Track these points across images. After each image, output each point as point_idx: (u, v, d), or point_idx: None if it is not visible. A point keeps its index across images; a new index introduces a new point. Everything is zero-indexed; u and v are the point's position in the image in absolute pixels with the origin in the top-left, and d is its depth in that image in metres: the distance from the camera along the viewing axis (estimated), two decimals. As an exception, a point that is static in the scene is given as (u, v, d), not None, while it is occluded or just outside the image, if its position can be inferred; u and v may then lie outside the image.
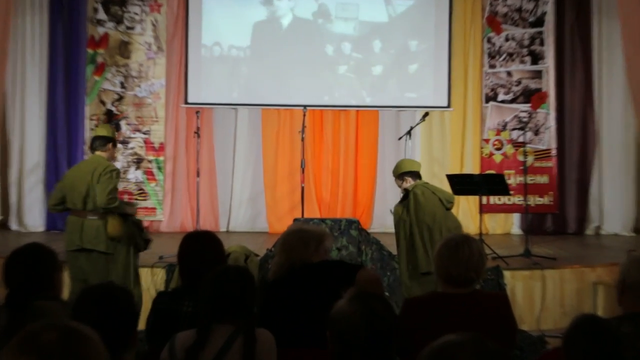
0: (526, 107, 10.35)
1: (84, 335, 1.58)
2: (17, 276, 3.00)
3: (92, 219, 6.00)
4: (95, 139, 6.25)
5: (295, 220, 7.52)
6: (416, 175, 6.55)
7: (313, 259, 3.65)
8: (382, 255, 7.20)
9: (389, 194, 10.28)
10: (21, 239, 9.00)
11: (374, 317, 2.33)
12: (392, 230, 6.74)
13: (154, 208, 10.20)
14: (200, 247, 3.51)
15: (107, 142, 6.20)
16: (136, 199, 10.14)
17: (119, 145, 10.16)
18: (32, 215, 10.22)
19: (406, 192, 6.53)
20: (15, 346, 1.52)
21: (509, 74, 10.39)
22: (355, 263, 6.15)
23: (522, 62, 10.38)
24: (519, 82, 10.37)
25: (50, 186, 10.21)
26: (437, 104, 10.40)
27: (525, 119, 10.29)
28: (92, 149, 6.24)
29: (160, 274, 7.22)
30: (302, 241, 3.69)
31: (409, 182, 6.50)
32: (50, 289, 3.03)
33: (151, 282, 6.82)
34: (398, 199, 6.85)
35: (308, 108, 9.14)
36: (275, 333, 2.93)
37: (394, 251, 6.87)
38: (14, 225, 10.21)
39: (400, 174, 6.57)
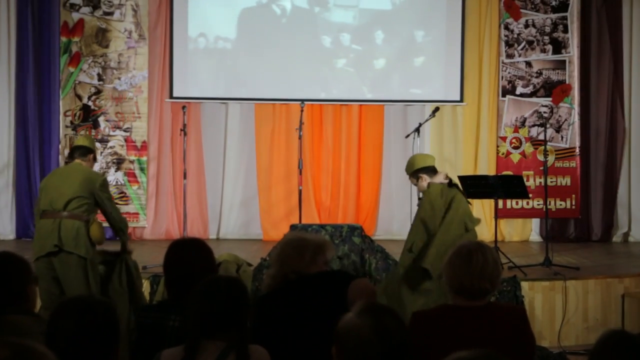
0: (547, 101, 10.37)
1: (39, 354, 1.62)
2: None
3: (71, 220, 6.12)
4: (76, 148, 6.55)
5: (292, 226, 7.55)
6: (432, 170, 6.42)
7: (310, 270, 3.68)
8: (388, 264, 7.22)
9: (394, 198, 10.30)
10: (-11, 248, 9.02)
11: (386, 331, 2.35)
12: (399, 237, 6.76)
13: (137, 213, 10.22)
14: (188, 256, 3.52)
15: (88, 152, 6.52)
16: (117, 204, 10.16)
17: (97, 144, 10.18)
18: (0, 221, 10.23)
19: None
20: None
21: (528, 64, 10.41)
22: (355, 274, 6.16)
23: (543, 51, 10.41)
24: (539, 74, 10.40)
25: (21, 188, 10.22)
26: (449, 98, 10.42)
27: (546, 115, 10.31)
28: (71, 157, 6.57)
29: (144, 286, 7.24)
30: (297, 251, 3.71)
31: (426, 180, 6.35)
32: (23, 302, 3.05)
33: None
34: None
35: (306, 102, 9.17)
36: (270, 349, 2.96)
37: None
38: (-19, 233, 10.23)
39: (414, 172, 6.40)
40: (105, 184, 6.42)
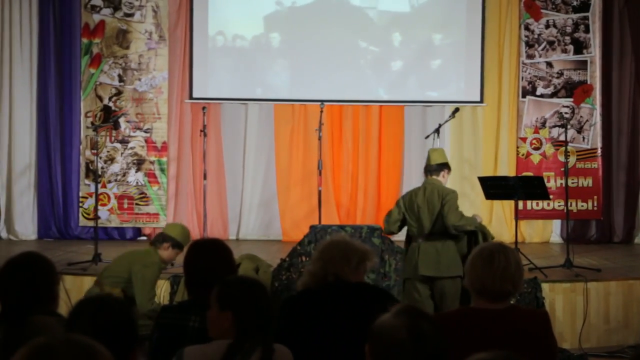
0: (568, 101, 10.33)
1: (96, 351, 1.65)
2: (13, 289, 3.04)
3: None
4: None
5: (312, 227, 7.55)
6: (448, 167, 6.62)
7: (351, 276, 3.67)
8: (408, 266, 7.22)
9: (415, 199, 10.29)
10: (12, 248, 9.10)
11: (421, 334, 2.35)
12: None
13: (157, 214, 10.27)
14: (209, 256, 3.54)
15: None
16: (136, 204, 10.23)
17: (118, 145, 10.25)
18: (22, 222, 10.30)
19: None
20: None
21: (549, 64, 10.37)
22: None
23: (565, 51, 10.37)
24: (560, 74, 10.36)
25: (42, 189, 10.29)
26: (469, 99, 10.40)
27: (567, 115, 10.27)
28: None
29: (165, 286, 7.28)
30: (343, 254, 3.68)
31: (446, 178, 6.56)
32: (48, 303, 3.08)
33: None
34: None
35: (325, 103, 9.18)
36: (294, 347, 3.00)
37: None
38: (3, 233, 10.30)
39: (445, 164, 6.58)
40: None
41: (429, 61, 10.50)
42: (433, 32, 10.47)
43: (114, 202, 10.20)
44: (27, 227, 10.31)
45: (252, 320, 2.91)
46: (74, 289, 7.41)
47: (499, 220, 10.33)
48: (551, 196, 9.36)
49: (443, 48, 10.49)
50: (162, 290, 7.23)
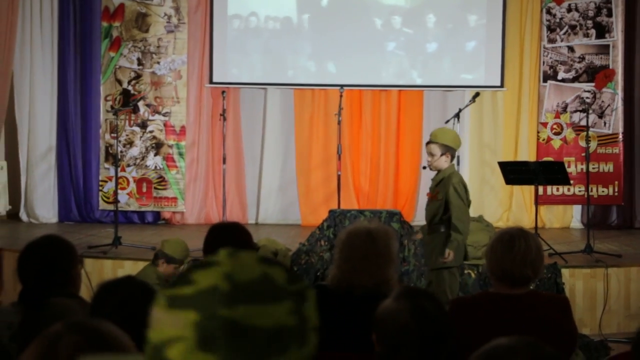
0: (590, 86, 10.25)
1: (113, 337, 1.62)
2: (32, 271, 3.07)
3: None
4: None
5: (331, 212, 7.55)
6: (453, 156, 6.08)
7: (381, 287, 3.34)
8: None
9: (434, 183, 10.26)
10: (33, 231, 9.16)
11: (424, 314, 2.35)
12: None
13: (175, 198, 10.30)
14: (228, 239, 3.54)
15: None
16: (155, 188, 10.26)
17: (137, 129, 10.27)
18: (43, 205, 10.36)
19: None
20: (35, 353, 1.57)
21: (570, 49, 10.29)
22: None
23: (587, 35, 10.28)
24: (582, 58, 10.28)
25: (63, 172, 10.35)
26: (489, 84, 10.34)
27: (588, 100, 10.20)
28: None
29: (184, 269, 7.30)
30: (362, 255, 3.39)
31: (446, 162, 5.95)
32: (68, 285, 3.10)
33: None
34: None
35: (345, 88, 9.16)
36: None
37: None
38: (24, 216, 10.37)
39: (446, 145, 5.94)
40: None
41: (464, 42, 10.34)
42: (467, 12, 10.34)
43: (133, 186, 10.24)
44: (48, 210, 10.37)
45: None
46: (95, 272, 7.47)
47: (519, 205, 10.29)
48: (572, 181, 9.32)
49: (477, 30, 10.35)
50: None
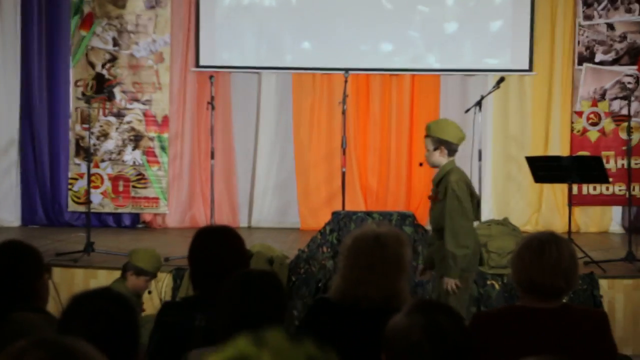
0: (632, 69, 10.26)
1: (82, 354, 1.62)
2: (-8, 281, 3.08)
3: None
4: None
5: (335, 214, 7.56)
6: (453, 152, 6.04)
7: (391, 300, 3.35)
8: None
9: (453, 182, 10.27)
10: (-8, 236, 9.18)
11: (439, 332, 2.35)
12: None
13: (156, 198, 10.31)
14: (217, 246, 3.55)
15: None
16: (133, 187, 10.26)
17: (112, 119, 10.27)
18: (5, 206, 10.35)
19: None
20: None
21: (610, 26, 10.30)
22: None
23: (629, 11, 10.28)
24: (623, 38, 10.28)
25: (27, 169, 10.34)
26: (516, 67, 10.35)
27: (630, 85, 10.21)
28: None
29: (166, 280, 7.31)
30: (369, 262, 3.40)
31: (443, 157, 5.96)
32: (33, 298, 3.10)
33: (155, 289, 6.91)
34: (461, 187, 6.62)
35: (350, 72, 9.17)
36: None
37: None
38: (-18, 219, 10.39)
39: (441, 139, 5.96)
40: None
41: (488, 22, 10.36)
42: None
43: (107, 185, 10.24)
44: (9, 212, 10.37)
45: (245, 319, 2.90)
46: (64, 282, 7.46)
47: (549, 206, 10.30)
48: (611, 179, 9.31)
49: (502, 9, 10.34)
50: (164, 285, 7.27)
